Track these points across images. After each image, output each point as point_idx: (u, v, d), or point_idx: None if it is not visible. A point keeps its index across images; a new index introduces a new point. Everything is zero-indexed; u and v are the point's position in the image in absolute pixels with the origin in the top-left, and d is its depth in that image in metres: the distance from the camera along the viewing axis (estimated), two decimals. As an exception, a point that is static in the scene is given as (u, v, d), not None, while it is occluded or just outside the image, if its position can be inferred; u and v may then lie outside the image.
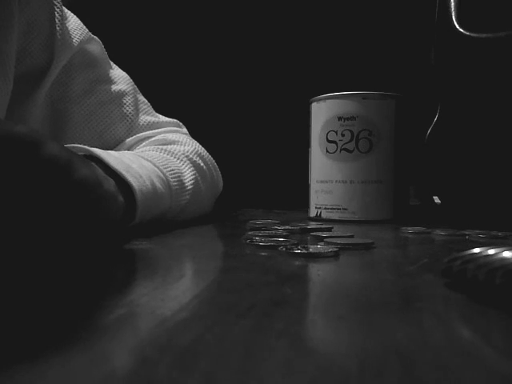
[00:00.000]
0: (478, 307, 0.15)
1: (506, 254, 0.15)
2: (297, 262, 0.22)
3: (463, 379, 0.09)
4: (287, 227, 0.36)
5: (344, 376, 0.09)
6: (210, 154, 0.49)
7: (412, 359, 0.10)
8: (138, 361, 0.10)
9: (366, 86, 0.49)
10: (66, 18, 0.44)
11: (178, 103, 0.53)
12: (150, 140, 0.46)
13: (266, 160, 0.80)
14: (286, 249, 0.24)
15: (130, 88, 0.48)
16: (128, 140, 0.46)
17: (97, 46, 0.47)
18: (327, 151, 0.48)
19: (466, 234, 0.35)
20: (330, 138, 0.48)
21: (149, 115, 0.49)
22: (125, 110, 0.46)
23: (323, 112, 0.48)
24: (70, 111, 0.44)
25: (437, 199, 0.50)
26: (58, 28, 0.42)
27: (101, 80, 0.46)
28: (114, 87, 0.47)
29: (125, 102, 0.47)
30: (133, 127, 0.47)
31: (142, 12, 0.85)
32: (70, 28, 0.43)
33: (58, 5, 0.42)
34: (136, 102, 0.48)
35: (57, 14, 0.42)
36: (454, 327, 0.13)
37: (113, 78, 0.47)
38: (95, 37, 0.47)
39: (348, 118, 0.47)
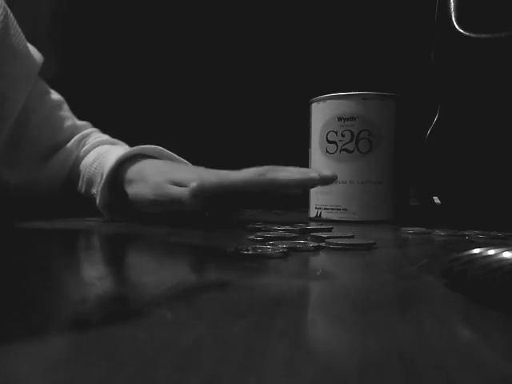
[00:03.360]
0: (478, 308, 0.15)
1: (506, 254, 0.15)
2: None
3: (463, 379, 0.09)
4: (287, 227, 0.36)
5: (344, 376, 0.09)
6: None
7: (412, 359, 0.10)
8: (138, 361, 0.10)
9: (365, 86, 0.49)
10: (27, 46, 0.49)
11: (179, 103, 0.53)
12: (99, 139, 0.54)
13: (266, 160, 0.80)
14: (235, 249, 0.24)
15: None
16: (74, 139, 0.53)
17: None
18: (327, 151, 0.48)
19: (466, 235, 0.35)
20: (329, 139, 0.48)
21: (76, 118, 0.56)
22: (68, 114, 0.54)
23: (323, 112, 0.48)
24: (29, 116, 0.50)
25: (437, 199, 0.50)
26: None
27: (46, 90, 0.53)
28: (55, 96, 0.54)
29: (64, 107, 0.55)
30: (76, 127, 0.54)
31: (141, 10, 0.85)
32: (33, 53, 0.49)
33: (22, 35, 0.47)
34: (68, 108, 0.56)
35: (24, 43, 0.47)
36: (454, 327, 0.13)
37: (48, 88, 0.54)
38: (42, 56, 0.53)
39: (348, 119, 0.47)
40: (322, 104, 0.49)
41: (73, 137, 0.53)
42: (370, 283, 0.18)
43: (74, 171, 0.52)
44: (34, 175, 0.50)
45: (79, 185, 0.50)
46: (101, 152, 0.51)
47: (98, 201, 0.45)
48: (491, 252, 0.16)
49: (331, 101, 0.48)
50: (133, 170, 0.44)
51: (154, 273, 0.21)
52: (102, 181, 0.45)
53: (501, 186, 0.43)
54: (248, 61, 0.82)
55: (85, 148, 0.52)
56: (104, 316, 0.13)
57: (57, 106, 0.53)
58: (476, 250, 0.16)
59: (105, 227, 0.40)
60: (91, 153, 0.52)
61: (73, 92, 0.59)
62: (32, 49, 0.49)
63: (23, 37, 0.47)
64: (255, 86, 0.81)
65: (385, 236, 0.35)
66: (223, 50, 0.84)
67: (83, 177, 0.50)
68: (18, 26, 0.46)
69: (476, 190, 0.44)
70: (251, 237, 0.30)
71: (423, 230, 0.37)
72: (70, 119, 0.54)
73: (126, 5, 0.85)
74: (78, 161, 0.52)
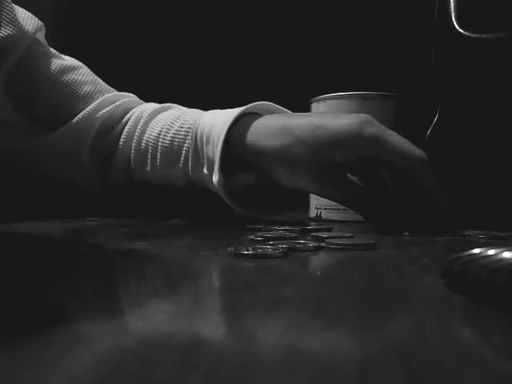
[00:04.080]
0: (478, 307, 0.15)
1: (506, 254, 0.15)
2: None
3: (463, 379, 0.09)
4: (287, 227, 0.36)
5: (344, 376, 0.09)
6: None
7: (412, 359, 0.10)
8: (138, 361, 0.10)
9: (366, 86, 0.49)
10: (16, 11, 0.45)
11: (181, 100, 0.53)
12: (153, 107, 0.48)
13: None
14: (235, 249, 0.24)
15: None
16: (99, 101, 0.49)
17: (43, 31, 0.50)
18: (327, 151, 0.48)
19: (466, 235, 0.35)
20: (330, 139, 0.48)
21: (101, 82, 0.52)
22: (87, 78, 0.50)
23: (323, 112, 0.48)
24: (36, 79, 0.47)
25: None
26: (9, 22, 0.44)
27: (50, 54, 0.49)
28: (69, 61, 0.50)
29: (82, 71, 0.50)
30: (100, 87, 0.50)
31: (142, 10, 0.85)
32: (21, 19, 0.45)
33: (7, 3, 0.44)
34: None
35: (7, 9, 0.44)
36: (454, 327, 0.13)
37: (58, 53, 0.50)
38: (42, 23, 0.49)
39: (348, 119, 0.47)
40: (322, 104, 0.49)
41: (96, 96, 0.49)
42: (369, 283, 0.18)
43: (122, 146, 0.48)
44: (49, 143, 0.47)
45: (149, 163, 0.46)
46: (172, 119, 0.45)
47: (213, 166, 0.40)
48: (491, 252, 0.16)
49: (331, 101, 0.48)
50: (253, 130, 0.39)
51: (153, 272, 0.21)
52: (219, 143, 0.39)
53: (501, 185, 0.43)
54: (248, 61, 0.82)
55: (141, 121, 0.47)
56: (104, 316, 0.13)
57: (69, 69, 0.49)
58: (476, 250, 0.16)
59: (106, 227, 0.40)
60: (153, 123, 0.47)
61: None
62: (26, 15, 0.47)
63: (7, 3, 0.44)
64: (255, 86, 0.81)
65: (385, 236, 0.35)
66: (223, 50, 0.84)
67: (160, 149, 0.45)
68: None
69: (476, 190, 0.44)
70: (251, 237, 0.30)
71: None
72: (90, 84, 0.50)
73: (125, 4, 0.85)
74: (120, 134, 0.48)
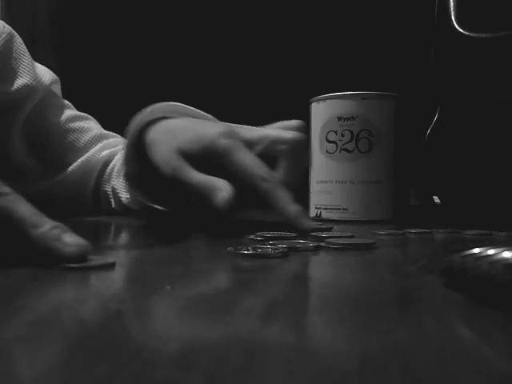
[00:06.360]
0: (478, 307, 0.15)
1: (506, 254, 0.15)
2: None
3: (463, 379, 0.09)
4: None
5: (344, 376, 0.09)
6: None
7: (412, 359, 0.10)
8: (138, 361, 0.10)
9: (365, 85, 0.49)
10: (34, 65, 0.51)
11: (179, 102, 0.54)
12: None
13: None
14: (235, 249, 0.24)
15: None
16: (101, 144, 0.55)
17: (58, 85, 0.55)
18: (327, 151, 0.48)
19: (466, 235, 0.35)
20: (329, 139, 0.48)
21: (100, 130, 0.57)
22: (87, 125, 0.56)
23: (323, 112, 0.48)
24: (47, 129, 0.53)
25: (437, 199, 0.50)
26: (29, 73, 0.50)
27: (62, 105, 0.55)
28: (73, 111, 0.56)
29: (84, 121, 0.56)
30: (103, 133, 0.56)
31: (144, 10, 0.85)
32: (38, 72, 0.51)
33: (26, 55, 0.50)
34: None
35: (26, 62, 0.50)
36: (454, 327, 0.13)
37: (64, 104, 0.56)
38: (57, 77, 0.54)
39: (348, 118, 0.47)
40: (321, 104, 0.49)
41: (96, 143, 0.55)
42: (370, 283, 0.18)
43: (103, 185, 0.53)
44: (59, 183, 0.52)
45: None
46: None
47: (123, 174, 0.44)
48: (491, 252, 0.16)
49: (331, 100, 0.48)
50: (156, 131, 0.41)
51: (153, 272, 0.21)
52: (125, 146, 0.43)
53: (501, 185, 0.43)
54: (248, 61, 0.82)
55: (115, 157, 0.53)
56: (104, 316, 0.13)
57: (77, 118, 0.55)
58: (476, 250, 0.16)
59: (104, 223, 0.40)
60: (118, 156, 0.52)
61: (72, 91, 0.59)
62: (42, 69, 0.51)
63: (26, 57, 0.49)
64: (255, 86, 0.81)
65: (384, 235, 0.35)
66: (223, 50, 0.84)
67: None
68: (23, 48, 0.49)
69: (476, 190, 0.44)
70: (251, 236, 0.30)
71: (423, 229, 0.37)
72: (95, 130, 0.55)
73: (124, 4, 0.85)
74: (105, 176, 0.53)
